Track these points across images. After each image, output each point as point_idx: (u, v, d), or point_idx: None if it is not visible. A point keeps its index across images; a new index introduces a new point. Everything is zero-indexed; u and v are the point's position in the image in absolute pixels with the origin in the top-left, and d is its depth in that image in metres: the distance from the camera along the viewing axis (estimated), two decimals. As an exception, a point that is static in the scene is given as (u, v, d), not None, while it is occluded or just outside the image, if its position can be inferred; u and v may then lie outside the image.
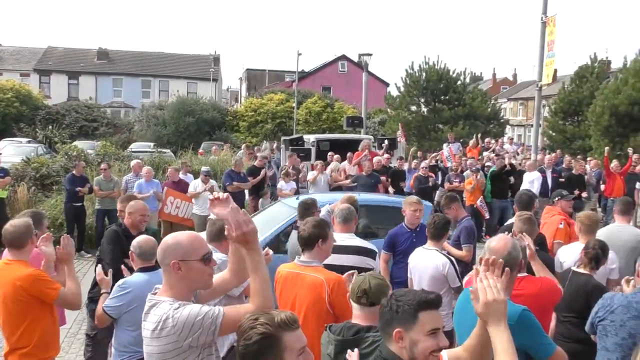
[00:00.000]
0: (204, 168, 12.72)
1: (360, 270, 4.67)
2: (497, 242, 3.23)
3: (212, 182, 12.28)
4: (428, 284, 5.23)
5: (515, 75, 71.83)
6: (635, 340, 3.67)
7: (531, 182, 13.53)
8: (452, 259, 5.46)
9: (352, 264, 4.70)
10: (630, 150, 15.49)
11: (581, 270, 4.86)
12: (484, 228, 13.38)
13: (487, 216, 12.93)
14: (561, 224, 6.74)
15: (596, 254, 4.82)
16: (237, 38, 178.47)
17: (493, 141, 21.31)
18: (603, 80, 26.58)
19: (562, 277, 5.02)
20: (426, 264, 5.37)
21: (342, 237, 5.03)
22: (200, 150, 24.11)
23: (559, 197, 7.51)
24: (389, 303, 2.45)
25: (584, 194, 14.10)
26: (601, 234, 6.35)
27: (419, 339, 2.33)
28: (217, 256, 4.07)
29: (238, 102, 63.94)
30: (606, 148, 15.33)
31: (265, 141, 31.40)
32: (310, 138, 16.62)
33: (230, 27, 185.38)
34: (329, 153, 15.47)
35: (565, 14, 74.17)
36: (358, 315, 3.13)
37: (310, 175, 13.67)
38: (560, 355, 3.10)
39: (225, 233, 2.72)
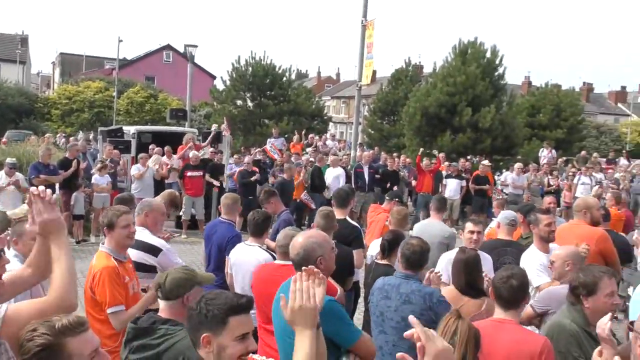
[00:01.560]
0: (8, 160, 11.44)
1: (140, 265, 4.62)
2: (295, 239, 3.33)
3: (18, 175, 11.09)
4: (251, 281, 5.15)
5: (338, 74, 74.93)
6: (384, 318, 4.00)
7: (336, 177, 14.06)
8: (274, 255, 5.43)
9: (133, 258, 4.56)
10: (435, 152, 16.71)
11: (379, 260, 5.11)
12: (305, 222, 13.71)
13: (313, 207, 13.26)
14: (387, 221, 7.07)
15: (383, 245, 5.16)
16: (49, 19, 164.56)
17: (317, 137, 21.96)
18: (416, 83, 28.72)
19: (368, 269, 5.27)
20: (248, 260, 5.27)
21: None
22: (4, 139, 21.79)
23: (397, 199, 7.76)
24: (198, 306, 2.36)
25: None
26: (416, 227, 6.85)
27: (228, 345, 2.29)
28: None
29: (50, 89, 59.01)
30: (421, 149, 16.49)
31: (80, 131, 29.31)
32: (130, 129, 15.75)
33: (41, 6, 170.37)
34: (151, 146, 14.80)
35: (384, 18, 79.03)
36: (161, 309, 3.10)
37: (135, 169, 12.97)
38: (365, 340, 3.21)
39: (27, 225, 2.51)
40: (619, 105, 68.30)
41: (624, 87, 73.01)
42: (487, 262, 5.22)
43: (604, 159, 23.84)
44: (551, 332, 3.53)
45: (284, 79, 30.84)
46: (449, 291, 4.31)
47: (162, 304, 3.11)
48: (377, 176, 15.44)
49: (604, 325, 3.18)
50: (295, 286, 2.21)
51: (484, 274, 4.48)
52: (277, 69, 30.37)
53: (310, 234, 3.42)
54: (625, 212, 9.26)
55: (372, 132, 31.37)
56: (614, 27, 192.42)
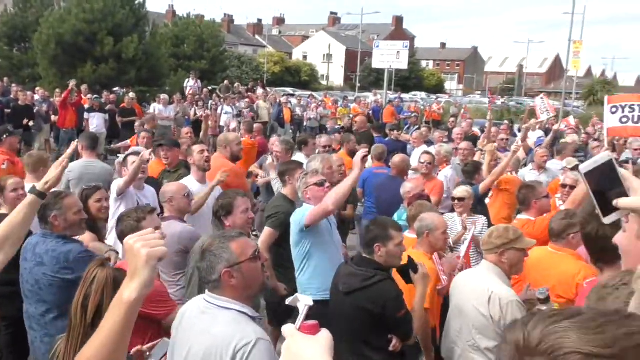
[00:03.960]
0: None
1: None
2: None
3: None
4: None
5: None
6: (22, 281, 3.64)
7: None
8: None
9: None
10: (72, 82, 14.68)
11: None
12: None
13: None
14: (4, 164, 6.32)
15: None
16: None
17: None
18: (48, 8, 25.92)
19: None
20: None
21: None
22: None
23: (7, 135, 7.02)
24: None
25: (31, 123, 13.64)
26: (72, 168, 6.21)
27: None
28: None
29: None
30: (72, 81, 14.37)
31: None
32: None
33: None
34: None
35: None
36: None
37: None
38: None
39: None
40: (257, 37, 73.94)
41: (260, 20, 79.30)
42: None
43: (245, 88, 25.60)
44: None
45: None
46: None
47: None
48: (8, 111, 13.67)
49: None
50: None
51: None
52: None
53: None
54: (259, 139, 10.10)
55: (0, 60, 27.57)
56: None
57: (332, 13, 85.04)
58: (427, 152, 7.30)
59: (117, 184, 5.15)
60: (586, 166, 1.53)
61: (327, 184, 4.33)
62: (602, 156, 1.52)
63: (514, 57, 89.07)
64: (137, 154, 5.57)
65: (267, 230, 4.80)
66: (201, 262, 2.51)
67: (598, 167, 1.51)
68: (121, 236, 3.57)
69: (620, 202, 1.46)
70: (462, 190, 5.79)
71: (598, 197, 1.52)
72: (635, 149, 10.24)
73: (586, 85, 45.87)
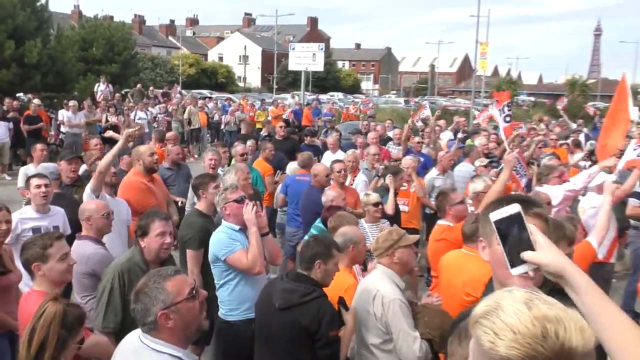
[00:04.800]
0: None
1: None
2: None
3: None
4: None
5: None
6: None
7: None
8: None
9: None
10: None
11: None
12: None
13: None
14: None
15: None
16: None
17: None
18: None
19: None
20: None
21: None
22: None
23: None
24: None
25: None
26: None
27: None
28: None
29: None
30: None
31: None
32: None
33: None
34: None
35: None
36: None
37: None
38: None
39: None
40: (170, 38, 72.32)
41: (172, 21, 77.51)
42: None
43: (161, 91, 24.93)
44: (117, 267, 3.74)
45: None
46: None
47: None
48: None
49: None
50: None
51: None
52: None
53: None
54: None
55: None
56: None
57: (246, 14, 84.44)
58: (339, 161, 7.14)
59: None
60: (497, 214, 1.52)
61: (246, 201, 4.22)
62: (513, 207, 1.52)
63: (426, 57, 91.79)
64: (42, 176, 5.23)
65: (189, 253, 4.64)
66: (135, 303, 2.37)
67: (508, 217, 1.51)
68: (26, 264, 3.36)
69: (527, 255, 1.47)
70: (377, 196, 5.95)
71: (508, 247, 1.51)
72: (540, 147, 10.76)
73: (493, 85, 47.97)
